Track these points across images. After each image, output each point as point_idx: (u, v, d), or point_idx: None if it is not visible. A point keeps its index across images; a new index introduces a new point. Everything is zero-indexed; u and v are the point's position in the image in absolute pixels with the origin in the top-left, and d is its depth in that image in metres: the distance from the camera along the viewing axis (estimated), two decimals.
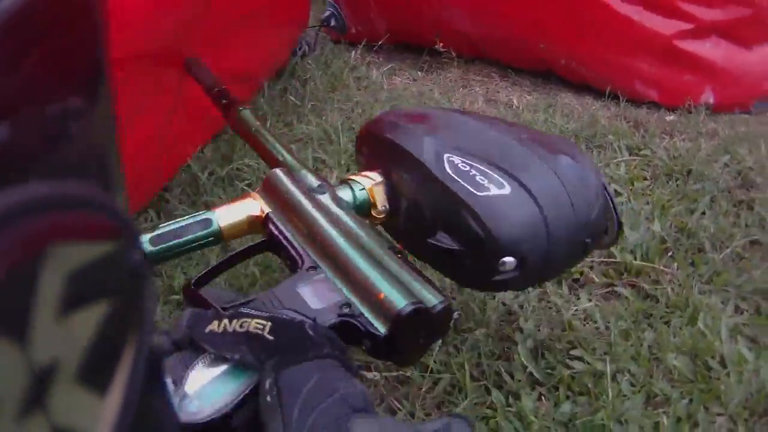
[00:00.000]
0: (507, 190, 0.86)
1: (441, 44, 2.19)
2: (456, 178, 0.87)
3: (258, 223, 0.90)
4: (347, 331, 0.73)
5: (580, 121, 1.83)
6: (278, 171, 0.93)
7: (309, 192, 0.90)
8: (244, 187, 1.46)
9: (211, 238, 0.88)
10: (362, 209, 0.95)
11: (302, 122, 1.76)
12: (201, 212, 0.89)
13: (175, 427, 0.47)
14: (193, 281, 0.82)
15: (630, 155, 1.66)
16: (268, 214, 0.89)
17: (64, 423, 0.29)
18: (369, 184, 0.96)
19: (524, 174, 0.87)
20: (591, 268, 1.25)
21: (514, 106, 1.95)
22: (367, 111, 1.83)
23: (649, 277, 1.24)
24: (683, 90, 1.95)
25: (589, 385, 1.00)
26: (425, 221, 0.91)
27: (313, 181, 0.94)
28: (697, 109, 1.92)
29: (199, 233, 0.87)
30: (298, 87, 1.95)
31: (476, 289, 1.08)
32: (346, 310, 0.74)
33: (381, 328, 0.72)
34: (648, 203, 1.45)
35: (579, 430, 0.94)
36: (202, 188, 1.47)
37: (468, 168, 0.88)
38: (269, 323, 0.67)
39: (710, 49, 1.93)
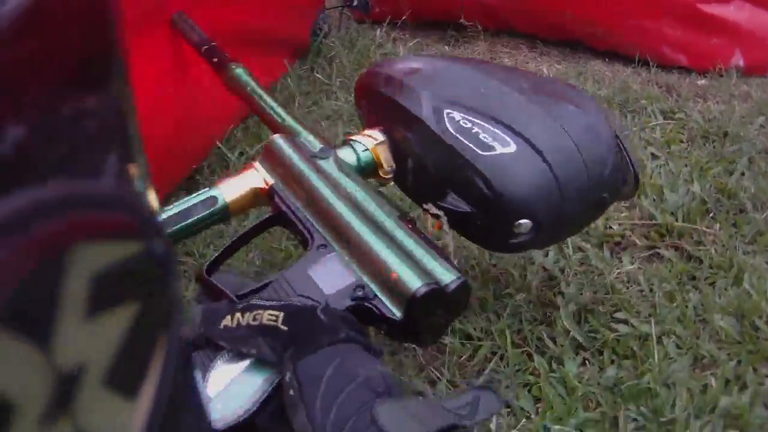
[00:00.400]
0: (512, 147, 0.82)
1: (465, 18, 2.17)
2: (458, 136, 0.84)
3: (263, 196, 0.88)
4: (362, 314, 0.72)
5: (611, 87, 1.81)
6: (277, 138, 0.91)
7: (311, 158, 0.87)
8: None
9: (219, 216, 0.87)
10: (368, 170, 0.93)
11: (331, 99, 1.75)
12: (204, 190, 0.87)
13: (207, 427, 0.46)
14: (204, 268, 0.80)
15: (665, 119, 1.63)
16: (272, 186, 0.87)
17: (91, 428, 0.28)
18: (372, 143, 0.93)
19: (529, 129, 0.84)
20: (632, 230, 1.24)
21: (544, 76, 1.93)
22: None
23: (692, 238, 1.22)
24: (712, 54, 1.92)
25: (635, 348, 0.98)
26: (433, 181, 0.88)
27: (314, 143, 0.92)
28: (728, 73, 1.89)
29: (206, 212, 0.85)
30: (324, 65, 1.93)
31: (497, 251, 1.06)
32: (359, 293, 0.72)
33: (396, 312, 0.71)
34: (686, 165, 1.42)
35: (624, 394, 0.92)
36: (232, 168, 1.46)
37: (470, 125, 0.85)
38: (282, 313, 0.66)
39: (734, 12, 1.90)
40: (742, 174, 1.39)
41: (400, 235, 0.76)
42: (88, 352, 0.28)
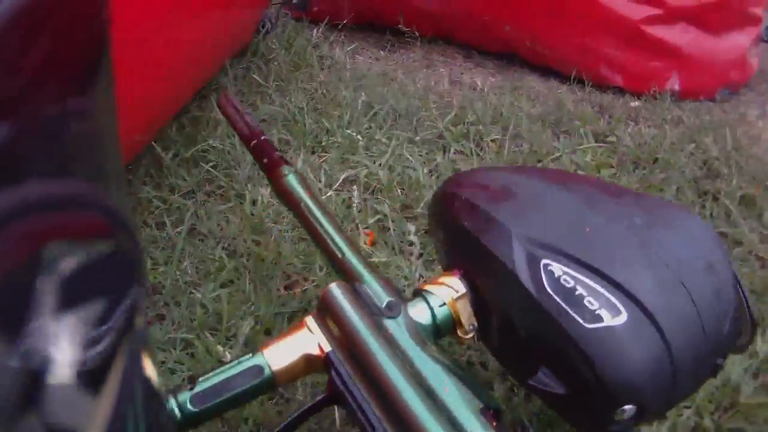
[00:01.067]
0: (623, 317, 0.67)
1: (404, 24, 2.16)
2: (557, 299, 0.68)
3: (318, 363, 0.75)
4: None
5: (545, 104, 1.83)
6: (337, 288, 0.77)
7: (376, 317, 0.74)
8: (210, 169, 1.43)
9: (264, 388, 0.74)
10: (444, 330, 0.78)
11: (266, 102, 1.73)
12: (247, 357, 0.75)
13: (171, 428, 0.46)
14: None
15: (596, 142, 1.65)
16: (328, 354, 0.73)
17: (57, 423, 0.29)
18: (450, 296, 0.78)
19: (645, 289, 0.68)
20: None
21: (478, 88, 1.94)
22: (332, 91, 1.80)
23: None
24: (649, 76, 1.95)
25: None
26: (523, 349, 0.75)
27: (380, 294, 0.77)
28: (662, 96, 1.92)
29: (250, 384, 0.73)
30: (261, 66, 1.91)
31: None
32: None
33: None
34: None
35: None
36: (166, 170, 1.43)
37: (572, 283, 0.69)
38: None
39: (678, 35, 1.92)
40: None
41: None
42: (57, 347, 0.28)
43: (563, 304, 0.68)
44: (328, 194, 1.35)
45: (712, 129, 1.73)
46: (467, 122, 1.67)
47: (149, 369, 0.40)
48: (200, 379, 0.73)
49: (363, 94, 1.77)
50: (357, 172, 1.43)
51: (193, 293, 1.13)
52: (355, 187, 1.36)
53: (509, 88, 1.93)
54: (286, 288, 1.16)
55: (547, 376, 0.70)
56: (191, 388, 0.72)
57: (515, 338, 0.75)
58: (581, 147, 1.61)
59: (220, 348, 1.01)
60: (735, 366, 1.00)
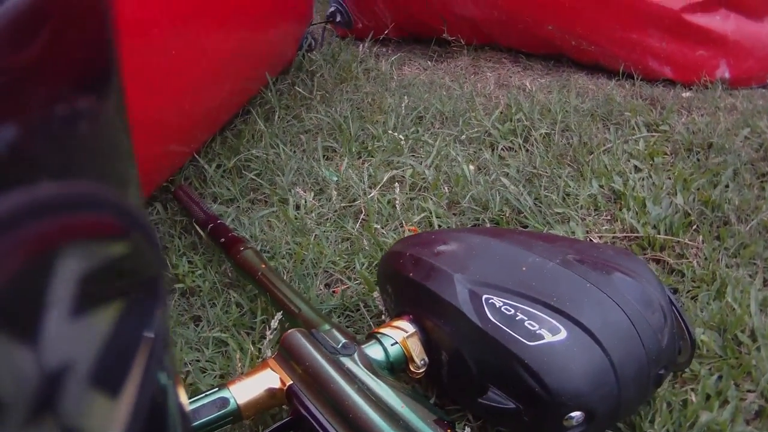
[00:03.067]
0: (563, 334, 0.76)
1: (448, 33, 2.15)
2: (500, 325, 0.77)
3: (280, 396, 0.82)
4: None
5: (595, 100, 1.79)
6: (296, 333, 0.85)
7: (332, 355, 0.81)
8: (253, 177, 1.44)
9: (230, 418, 0.80)
10: (397, 366, 0.86)
11: (311, 113, 1.73)
12: (213, 389, 0.82)
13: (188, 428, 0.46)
14: None
15: (648, 131, 1.61)
16: (290, 386, 0.80)
17: (75, 425, 0.29)
18: (401, 336, 0.86)
19: (580, 310, 0.77)
20: (613, 243, 1.21)
21: (527, 90, 1.91)
22: (377, 100, 1.80)
23: (674, 251, 1.20)
24: (697, 65, 1.90)
25: None
26: (472, 376, 0.81)
27: (336, 337, 0.85)
28: (713, 85, 1.86)
29: (215, 415, 0.79)
30: (306, 80, 1.92)
31: None
32: None
33: None
34: (669, 178, 1.40)
35: None
36: (210, 181, 1.45)
37: (512, 311, 0.78)
38: None
39: (720, 22, 1.87)
40: (726, 186, 1.37)
41: None
42: (74, 349, 0.28)
43: (506, 329, 0.77)
44: (371, 195, 1.34)
45: (767, 113, 1.67)
46: (514, 119, 1.64)
47: (170, 372, 0.40)
48: None
49: (408, 100, 1.76)
50: (402, 171, 1.42)
51: (229, 294, 1.12)
52: (397, 185, 1.35)
53: (557, 86, 1.90)
54: (327, 286, 1.14)
55: (497, 394, 0.79)
56: None
57: (463, 368, 0.82)
58: (633, 137, 1.58)
59: (251, 347, 1.00)
60: None
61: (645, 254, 1.19)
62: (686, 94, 1.86)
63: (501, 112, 1.69)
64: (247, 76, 1.64)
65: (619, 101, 1.77)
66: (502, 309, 0.78)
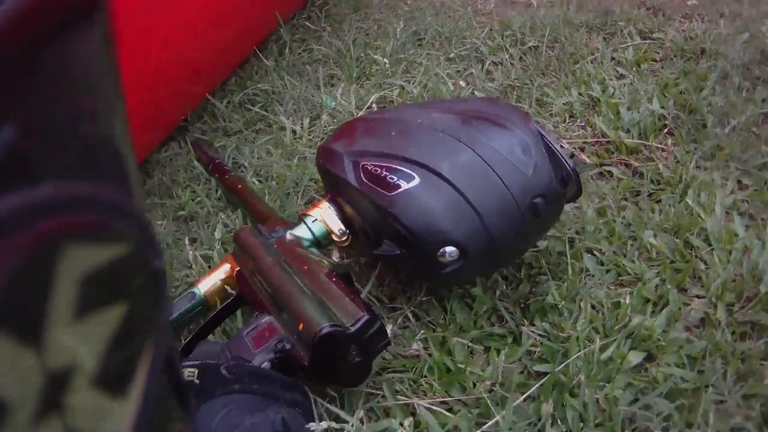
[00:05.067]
0: (416, 181, 0.85)
1: None
2: (370, 184, 0.88)
3: (232, 282, 0.97)
4: (285, 365, 0.80)
5: (594, 11, 1.80)
6: (242, 230, 0.98)
7: (265, 240, 0.94)
8: (258, 110, 1.50)
9: (199, 308, 0.97)
10: (322, 240, 0.98)
11: (320, 44, 1.78)
12: (187, 290, 0.98)
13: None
14: (181, 348, 0.90)
15: (642, 39, 1.63)
16: (237, 271, 0.95)
17: (80, 427, 0.29)
18: (319, 214, 0.99)
19: (431, 156, 0.86)
20: (583, 149, 1.25)
21: (533, 6, 1.92)
22: (384, 26, 1.84)
23: (643, 154, 1.23)
24: None
25: (549, 265, 1.01)
26: (372, 234, 0.92)
27: (276, 228, 0.97)
28: None
29: (187, 306, 0.96)
30: (318, 13, 1.95)
31: (436, 286, 1.01)
32: (279, 347, 0.81)
33: (306, 357, 0.78)
34: (653, 84, 1.42)
35: (531, 310, 0.95)
36: (220, 116, 1.51)
37: (379, 170, 0.88)
38: (197, 370, 0.76)
39: None
40: (713, 90, 1.38)
41: (318, 288, 0.82)
42: (78, 352, 0.28)
43: (374, 186, 0.87)
44: (359, 115, 1.39)
45: None
46: (506, 35, 1.68)
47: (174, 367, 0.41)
48: None
49: (413, 24, 1.80)
50: (390, 91, 1.47)
51: (219, 217, 1.20)
52: (384, 105, 1.40)
53: (560, 2, 1.91)
54: (307, 204, 1.21)
55: (388, 244, 0.88)
56: None
57: (366, 229, 0.93)
58: (623, 45, 1.59)
59: None
60: (764, 254, 0.98)
61: (612, 158, 1.23)
62: (692, 1, 1.85)
63: (491, 29, 1.72)
64: (262, 14, 1.70)
65: (617, 11, 1.77)
66: (371, 170, 0.89)
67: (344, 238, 0.98)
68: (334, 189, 0.98)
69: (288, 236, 0.95)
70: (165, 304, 0.36)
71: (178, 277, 1.08)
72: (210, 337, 0.94)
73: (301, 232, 0.97)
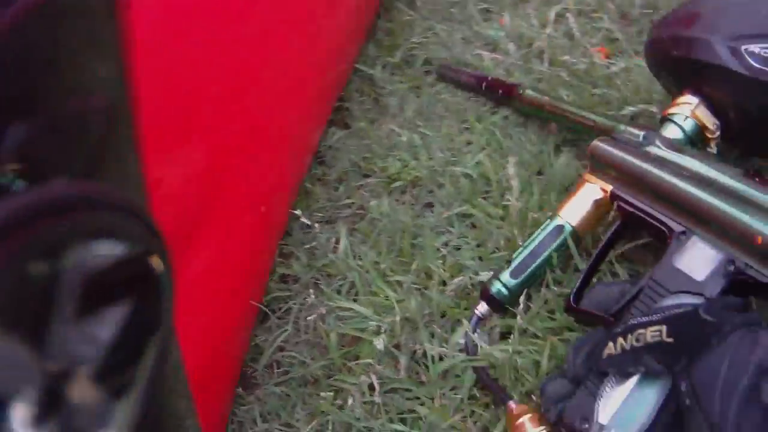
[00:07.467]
0: None
1: None
2: (765, 68, 0.79)
3: (606, 203, 0.89)
4: (740, 288, 0.69)
5: None
6: (597, 143, 0.90)
7: (639, 149, 0.86)
8: (421, 65, 1.45)
9: (568, 241, 0.90)
10: (695, 138, 0.90)
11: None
12: (546, 223, 0.91)
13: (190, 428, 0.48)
14: (572, 298, 0.82)
15: None
16: (611, 191, 0.87)
17: (81, 426, 0.29)
18: (688, 110, 0.89)
19: None
20: None
21: None
22: None
23: None
24: None
25: None
26: (761, 125, 0.85)
27: (634, 133, 0.90)
28: None
29: (556, 243, 0.89)
30: None
31: None
32: (731, 269, 0.69)
33: None
34: None
35: None
36: (379, 82, 1.46)
37: None
38: (664, 326, 0.64)
39: None
40: None
41: (752, 194, 0.71)
42: (80, 351, 0.28)
43: None
44: (547, 33, 1.33)
45: None
46: None
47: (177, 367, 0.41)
48: (514, 255, 0.91)
49: None
50: (565, 5, 1.39)
51: (451, 170, 1.15)
52: (569, 15, 1.33)
53: None
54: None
55: None
56: (509, 266, 0.90)
57: (750, 120, 0.86)
58: None
59: (493, 209, 1.05)
60: None
61: None
62: None
63: None
64: None
65: None
66: (762, 53, 0.79)
67: (717, 134, 0.89)
68: (698, 79, 0.89)
69: (658, 140, 0.86)
70: (168, 304, 0.35)
71: (438, 245, 1.04)
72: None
73: (672, 132, 0.89)
